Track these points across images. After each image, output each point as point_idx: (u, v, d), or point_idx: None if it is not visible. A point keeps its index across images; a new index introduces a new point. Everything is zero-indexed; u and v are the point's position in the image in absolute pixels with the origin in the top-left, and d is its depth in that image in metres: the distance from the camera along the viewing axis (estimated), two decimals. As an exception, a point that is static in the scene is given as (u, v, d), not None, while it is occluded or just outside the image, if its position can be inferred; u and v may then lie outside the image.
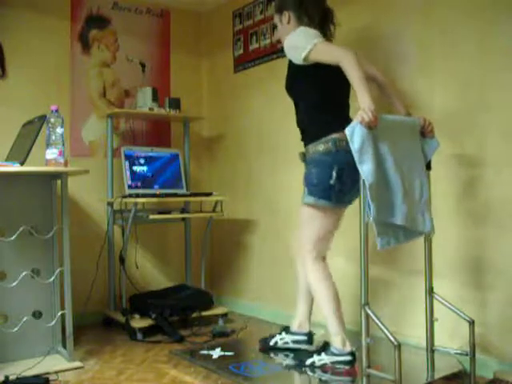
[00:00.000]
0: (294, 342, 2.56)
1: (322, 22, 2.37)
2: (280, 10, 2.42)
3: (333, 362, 2.27)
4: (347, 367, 2.25)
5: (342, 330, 2.31)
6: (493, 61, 2.35)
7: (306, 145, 2.38)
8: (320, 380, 2.23)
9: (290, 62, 2.36)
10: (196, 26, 4.08)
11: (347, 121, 2.21)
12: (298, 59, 2.25)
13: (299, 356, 2.44)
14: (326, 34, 2.38)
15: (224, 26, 3.88)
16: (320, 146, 2.26)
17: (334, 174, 2.19)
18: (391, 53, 2.75)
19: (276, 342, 2.58)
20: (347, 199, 2.33)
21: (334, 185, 2.21)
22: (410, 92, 2.61)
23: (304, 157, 2.40)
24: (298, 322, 2.58)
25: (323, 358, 2.29)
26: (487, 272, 2.38)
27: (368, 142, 1.93)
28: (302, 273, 2.52)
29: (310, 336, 2.57)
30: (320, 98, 2.31)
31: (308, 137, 2.36)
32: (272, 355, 2.54)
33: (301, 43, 2.22)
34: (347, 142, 2.07)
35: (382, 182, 1.99)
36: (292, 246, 2.47)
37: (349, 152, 2.07)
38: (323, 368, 2.27)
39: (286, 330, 2.61)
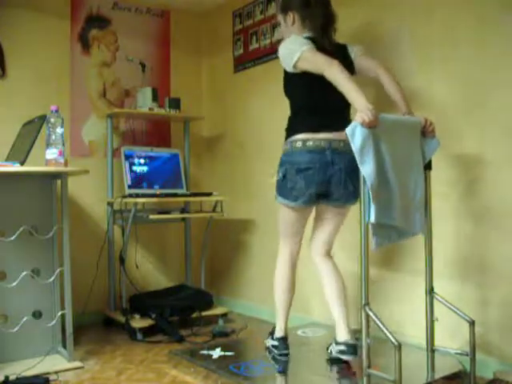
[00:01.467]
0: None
1: (325, 26, 2.36)
2: (285, 10, 2.41)
3: (272, 346, 2.49)
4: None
5: (282, 315, 2.47)
6: (493, 59, 2.35)
7: None
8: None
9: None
10: (196, 25, 4.08)
11: (329, 122, 2.28)
12: (289, 67, 2.29)
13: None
14: (328, 38, 2.36)
15: (224, 26, 3.88)
16: (283, 147, 2.36)
17: (282, 173, 2.31)
18: (391, 51, 2.74)
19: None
20: (314, 198, 2.31)
21: (285, 184, 2.30)
22: (410, 90, 2.61)
23: None
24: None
25: (268, 341, 2.54)
26: (488, 272, 2.38)
27: (369, 142, 1.93)
28: (318, 268, 2.49)
29: (351, 346, 2.29)
30: (297, 102, 2.37)
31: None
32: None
33: (290, 52, 2.25)
34: (304, 142, 2.24)
35: (381, 183, 1.99)
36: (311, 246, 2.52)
37: (304, 152, 2.23)
38: (268, 350, 2.51)
39: (335, 341, 2.37)
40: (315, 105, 2.33)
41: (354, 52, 2.41)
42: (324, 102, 2.31)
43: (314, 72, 2.19)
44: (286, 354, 2.44)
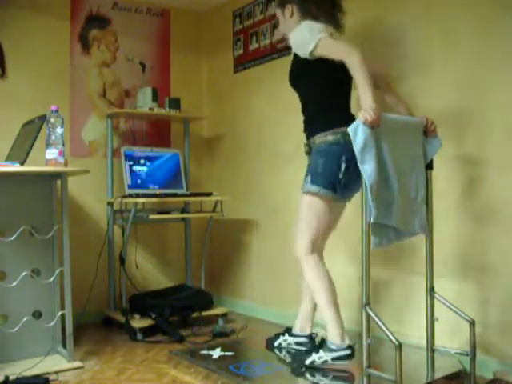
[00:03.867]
0: (297, 343, 2.55)
1: (331, 10, 2.33)
2: (282, 4, 2.39)
3: (333, 359, 2.23)
4: (346, 366, 2.23)
5: (340, 324, 2.26)
6: (493, 60, 2.35)
7: (310, 136, 2.35)
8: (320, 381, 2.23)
9: (295, 56, 2.35)
10: (196, 25, 4.08)
11: (350, 117, 2.23)
12: (305, 54, 2.23)
13: (298, 356, 2.41)
14: (337, 23, 2.34)
15: (224, 26, 3.88)
16: (329, 137, 2.23)
17: (343, 164, 2.17)
18: (391, 52, 2.74)
19: (280, 344, 2.57)
20: (348, 194, 2.31)
21: (341, 176, 2.18)
22: (410, 91, 2.61)
23: (309, 148, 2.36)
24: (300, 324, 2.55)
25: (322, 356, 2.24)
26: (488, 272, 2.38)
27: (370, 141, 1.93)
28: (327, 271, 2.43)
29: (311, 338, 2.55)
30: (325, 92, 2.30)
31: (314, 128, 2.32)
32: (273, 355, 2.54)
33: (306, 38, 2.20)
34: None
35: (382, 182, 1.99)
36: (294, 244, 2.37)
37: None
38: (325, 366, 2.23)
39: (289, 331, 2.59)
40: (342, 95, 2.31)
41: None
42: (346, 92, 2.33)
43: (332, 59, 2.15)
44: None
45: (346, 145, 2.13)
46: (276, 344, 2.57)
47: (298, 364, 2.32)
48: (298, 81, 2.38)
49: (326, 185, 2.20)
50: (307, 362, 2.27)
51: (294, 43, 2.29)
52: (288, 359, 2.46)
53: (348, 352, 2.22)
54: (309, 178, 2.26)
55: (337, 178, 2.20)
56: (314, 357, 2.26)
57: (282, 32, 2.50)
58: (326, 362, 2.23)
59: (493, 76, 2.35)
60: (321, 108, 2.33)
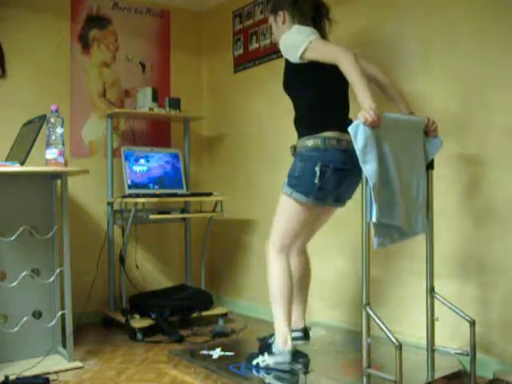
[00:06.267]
0: (292, 339, 2.53)
1: (316, 18, 2.33)
2: (275, 11, 2.39)
3: (275, 363, 2.26)
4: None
5: (287, 326, 2.28)
6: (494, 60, 2.35)
7: (298, 139, 2.36)
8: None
9: (286, 61, 2.34)
10: (196, 25, 4.08)
11: (344, 120, 2.21)
12: (294, 58, 2.23)
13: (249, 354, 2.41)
14: (321, 31, 2.34)
15: (224, 26, 3.88)
16: (309, 142, 2.23)
17: (318, 170, 2.16)
18: (391, 52, 2.74)
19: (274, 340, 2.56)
20: (331, 199, 2.30)
21: (316, 181, 2.18)
22: (411, 91, 2.61)
23: (294, 151, 2.37)
24: (293, 319, 2.53)
25: (265, 359, 2.29)
26: (488, 271, 2.38)
27: (371, 141, 1.92)
28: (292, 268, 2.44)
29: (305, 332, 2.55)
30: (314, 96, 2.29)
31: (299, 131, 2.35)
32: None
33: (295, 42, 2.20)
34: (338, 141, 2.14)
35: (383, 182, 1.99)
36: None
37: (339, 151, 2.13)
38: (267, 370, 2.26)
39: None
40: (333, 99, 2.30)
41: None
42: (339, 95, 2.31)
43: (323, 62, 2.14)
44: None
45: (326, 151, 2.17)
46: (270, 341, 2.54)
47: (246, 361, 2.36)
48: (288, 85, 2.38)
49: (300, 189, 2.21)
50: (254, 362, 2.32)
51: (284, 48, 2.28)
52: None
53: (287, 359, 2.25)
54: (286, 180, 2.28)
55: (311, 183, 2.18)
56: (259, 359, 2.31)
57: (275, 39, 2.50)
58: (268, 365, 2.27)
59: (493, 75, 2.35)
60: (306, 112, 2.32)
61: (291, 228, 2.30)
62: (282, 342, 2.27)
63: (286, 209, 2.28)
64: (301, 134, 2.32)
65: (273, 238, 2.33)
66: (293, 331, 2.52)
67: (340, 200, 2.35)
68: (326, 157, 2.17)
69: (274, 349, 2.29)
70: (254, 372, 2.26)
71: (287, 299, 2.29)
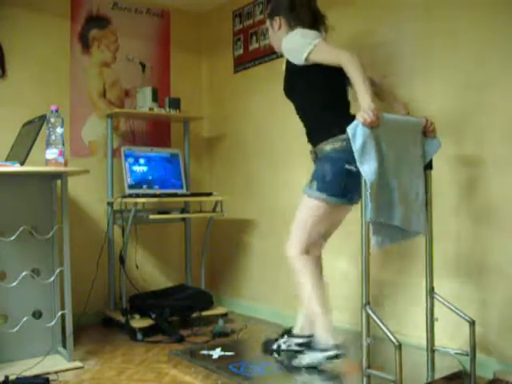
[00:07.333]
0: (298, 345, 2.53)
1: (313, 25, 2.35)
2: (272, 16, 2.41)
3: (320, 359, 2.25)
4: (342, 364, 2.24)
5: (329, 324, 2.27)
6: (493, 60, 2.35)
7: (315, 144, 2.34)
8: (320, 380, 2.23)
9: (288, 63, 2.35)
10: (196, 26, 4.08)
11: (352, 120, 2.21)
12: (300, 60, 2.23)
13: (290, 356, 2.39)
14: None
15: (224, 26, 3.88)
16: (336, 144, 2.22)
17: (347, 170, 2.17)
18: (390, 53, 2.74)
19: (279, 346, 2.55)
20: (357, 198, 2.29)
21: (346, 182, 2.18)
22: (410, 92, 2.61)
23: (315, 155, 2.35)
24: (301, 325, 2.53)
25: (286, 340, 2.34)
26: (488, 272, 2.38)
27: (370, 141, 1.93)
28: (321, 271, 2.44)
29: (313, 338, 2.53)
30: (323, 97, 2.30)
31: (318, 136, 2.31)
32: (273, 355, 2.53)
33: (300, 44, 2.22)
34: None
35: (381, 182, 1.99)
36: (287, 243, 2.40)
37: None
38: (311, 366, 2.26)
39: (289, 332, 2.55)
40: (339, 100, 2.31)
41: None
42: (344, 96, 2.32)
43: (327, 64, 2.16)
44: None
45: (350, 151, 2.11)
46: (275, 347, 2.55)
47: (288, 364, 2.35)
48: (292, 90, 2.38)
49: (334, 192, 2.21)
50: (294, 363, 2.31)
51: (287, 50, 2.29)
52: (285, 360, 2.44)
53: (335, 352, 2.23)
54: (315, 184, 2.25)
55: (342, 184, 2.20)
56: (300, 357, 2.30)
57: (270, 43, 2.50)
58: (313, 362, 2.26)
59: (492, 76, 2.35)
60: (321, 115, 2.31)
61: (318, 230, 2.31)
62: (331, 339, 2.23)
63: (315, 210, 2.26)
64: (320, 138, 2.30)
65: (295, 242, 2.32)
66: (299, 337, 2.46)
67: (360, 197, 2.35)
68: (351, 157, 2.10)
69: (319, 345, 2.26)
70: (307, 375, 2.24)
71: (324, 298, 2.28)
